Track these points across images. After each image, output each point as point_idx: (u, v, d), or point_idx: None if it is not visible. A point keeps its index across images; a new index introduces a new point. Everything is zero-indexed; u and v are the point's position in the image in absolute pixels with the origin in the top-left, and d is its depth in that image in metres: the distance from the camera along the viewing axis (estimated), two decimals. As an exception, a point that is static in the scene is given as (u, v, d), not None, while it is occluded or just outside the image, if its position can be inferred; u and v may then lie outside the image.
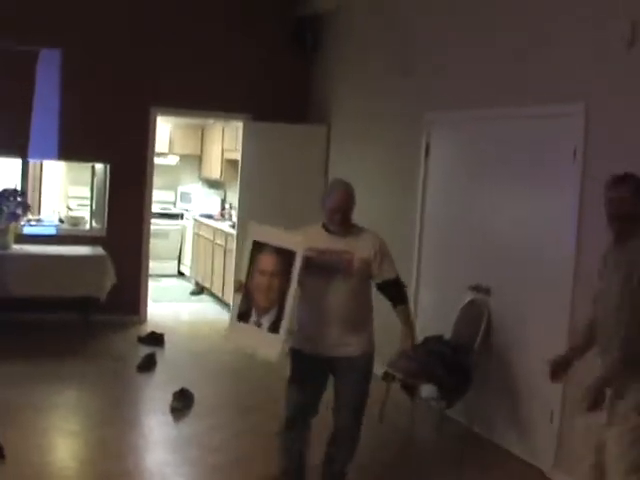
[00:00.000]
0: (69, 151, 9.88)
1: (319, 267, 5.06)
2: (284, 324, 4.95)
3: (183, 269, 14.32)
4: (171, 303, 11.96)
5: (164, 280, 13.44)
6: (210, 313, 11.56)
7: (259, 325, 5.03)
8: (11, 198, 9.32)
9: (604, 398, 4.45)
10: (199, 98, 10.37)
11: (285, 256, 5.00)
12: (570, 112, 5.97)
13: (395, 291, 5.26)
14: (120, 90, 10.01)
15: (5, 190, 9.44)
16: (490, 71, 7.07)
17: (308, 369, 5.24)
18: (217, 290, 12.03)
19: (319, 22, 10.50)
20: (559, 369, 4.92)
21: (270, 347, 4.97)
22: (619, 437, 4.43)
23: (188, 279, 13.89)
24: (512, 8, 6.84)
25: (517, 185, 6.70)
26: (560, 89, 6.15)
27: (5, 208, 9.25)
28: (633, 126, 5.49)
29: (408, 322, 5.27)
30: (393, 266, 5.24)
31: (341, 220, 5.13)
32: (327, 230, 5.19)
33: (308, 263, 5.02)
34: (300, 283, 5.05)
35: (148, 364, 8.32)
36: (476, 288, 7.04)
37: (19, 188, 9.90)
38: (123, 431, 6.58)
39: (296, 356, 5.28)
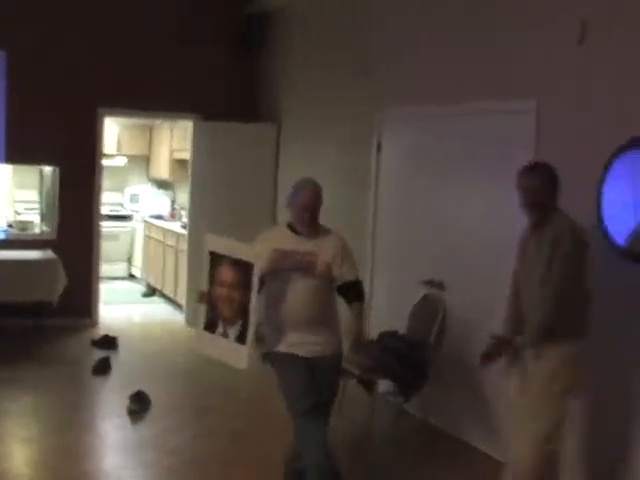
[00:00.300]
0: (16, 154, 9.79)
1: (283, 270, 5.09)
2: (249, 335, 4.99)
3: (134, 271, 14.22)
4: (123, 305, 11.87)
5: (115, 283, 13.32)
6: (162, 314, 11.50)
7: (226, 336, 5.10)
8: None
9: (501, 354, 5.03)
10: (148, 98, 10.30)
11: (243, 267, 5.01)
12: (523, 109, 6.04)
13: (354, 291, 5.28)
14: (67, 91, 9.91)
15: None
16: (444, 68, 7.11)
17: (290, 365, 5.22)
18: (169, 291, 11.97)
19: (268, 20, 10.47)
20: (496, 351, 5.04)
21: (238, 357, 5.05)
22: (529, 404, 4.92)
23: (139, 281, 13.80)
24: (466, 4, 6.88)
25: (469, 180, 6.75)
26: (513, 85, 6.22)
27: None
28: (583, 122, 5.58)
29: (359, 316, 5.29)
30: (354, 268, 5.28)
31: (310, 219, 5.15)
32: (293, 231, 5.22)
33: (270, 271, 5.07)
34: (266, 286, 5.11)
35: (103, 367, 8.27)
36: (430, 283, 7.09)
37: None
38: (80, 435, 6.55)
39: (276, 358, 5.27)
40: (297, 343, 5.16)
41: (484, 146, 6.58)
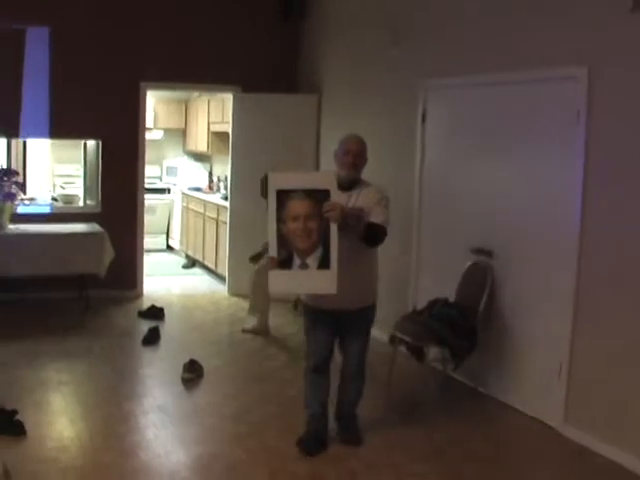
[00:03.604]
0: (60, 129, 9.90)
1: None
2: (333, 258, 5.16)
3: (172, 243, 14.36)
4: (164, 277, 12.00)
5: (153, 255, 13.44)
6: (204, 286, 11.63)
7: (305, 267, 5.23)
8: (6, 178, 9.31)
9: None
10: (188, 71, 10.39)
11: (317, 197, 5.17)
12: (573, 75, 6.04)
13: (375, 232, 5.40)
14: (109, 66, 10.01)
15: (1, 170, 9.45)
16: (489, 35, 7.10)
17: (318, 321, 5.67)
18: (210, 262, 12.08)
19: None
20: None
21: (325, 282, 5.21)
22: None
23: (177, 253, 13.94)
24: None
25: (519, 149, 6.78)
26: (562, 53, 6.21)
27: (1, 188, 9.23)
28: (635, 89, 5.59)
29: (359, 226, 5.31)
30: (384, 214, 5.43)
31: (351, 163, 5.46)
32: (340, 185, 5.37)
33: None
34: None
35: (153, 338, 8.40)
36: (478, 251, 7.15)
37: (4, 167, 9.90)
38: (138, 403, 6.67)
39: (306, 310, 5.77)
40: (327, 295, 5.35)
41: (533, 114, 6.61)
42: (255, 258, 8.72)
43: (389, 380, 6.89)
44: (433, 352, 7.10)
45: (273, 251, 5.27)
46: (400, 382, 7.10)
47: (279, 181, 5.29)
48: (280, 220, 5.22)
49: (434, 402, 6.85)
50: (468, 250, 7.23)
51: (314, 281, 5.27)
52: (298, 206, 5.19)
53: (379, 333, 7.38)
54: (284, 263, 5.25)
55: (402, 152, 8.35)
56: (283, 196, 5.21)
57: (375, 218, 5.37)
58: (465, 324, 6.76)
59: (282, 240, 5.23)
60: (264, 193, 7.67)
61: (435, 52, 7.86)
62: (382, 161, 8.42)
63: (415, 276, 8.13)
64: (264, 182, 7.33)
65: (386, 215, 5.45)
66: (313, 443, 5.69)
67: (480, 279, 7.03)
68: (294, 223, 5.20)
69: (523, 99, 6.72)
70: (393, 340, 7.00)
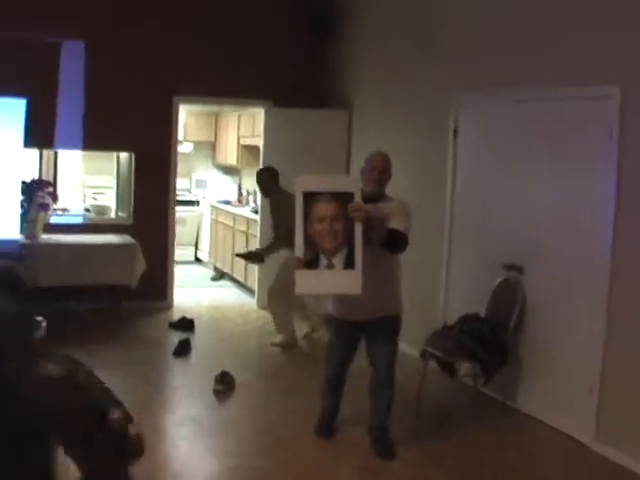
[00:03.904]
0: (94, 141, 10.02)
1: None
2: (357, 259, 5.30)
3: (200, 255, 14.45)
4: (193, 289, 12.08)
5: (182, 267, 13.51)
6: (233, 298, 11.69)
7: (331, 267, 5.37)
8: (40, 188, 9.42)
9: None
10: (221, 86, 10.48)
11: (342, 199, 5.33)
12: (606, 93, 6.07)
13: (395, 239, 5.51)
14: (143, 79, 10.13)
15: (34, 180, 9.58)
16: (522, 51, 7.12)
17: (341, 333, 6.01)
18: (239, 275, 12.14)
19: (338, 4, 10.54)
20: None
21: (350, 282, 5.33)
22: None
23: (206, 265, 14.02)
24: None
25: (551, 165, 6.79)
26: (596, 71, 6.23)
27: (35, 198, 9.35)
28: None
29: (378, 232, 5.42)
30: (405, 222, 5.59)
31: (377, 179, 5.75)
32: (365, 198, 5.51)
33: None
34: None
35: (184, 349, 8.46)
36: (509, 267, 7.17)
37: (37, 178, 10.02)
38: (170, 415, 6.76)
39: (332, 321, 6.07)
40: (349, 305, 5.68)
41: (565, 131, 6.63)
42: (242, 255, 9.22)
43: (419, 394, 6.91)
44: (464, 367, 7.13)
45: (300, 252, 5.39)
46: (431, 397, 7.11)
47: (306, 184, 5.43)
48: (307, 221, 5.37)
49: (465, 416, 6.88)
50: (499, 266, 7.24)
51: (340, 281, 5.39)
52: (324, 208, 5.35)
53: (409, 349, 7.43)
54: (310, 263, 5.39)
55: (433, 168, 8.38)
56: (309, 198, 5.36)
57: (396, 225, 5.51)
58: (496, 339, 6.79)
59: (308, 241, 5.37)
60: (265, 191, 7.97)
61: (468, 68, 7.88)
62: (413, 176, 8.47)
63: (445, 291, 8.16)
64: (262, 180, 8.28)
65: (407, 223, 5.61)
66: (324, 429, 6.23)
67: (511, 295, 7.06)
68: (320, 224, 5.35)
69: (556, 116, 6.74)
70: (424, 355, 7.03)
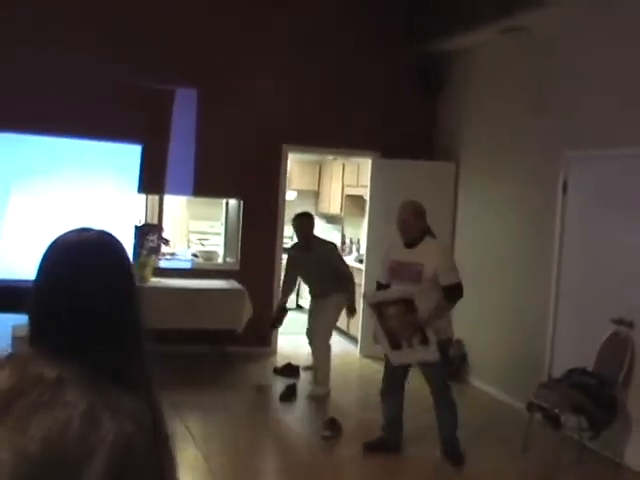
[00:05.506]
0: (204, 187, 10.29)
1: (398, 278, 6.66)
2: (430, 337, 6.49)
3: (301, 302, 14.54)
4: (294, 335, 12.15)
5: (285, 313, 13.60)
6: (335, 346, 11.68)
7: (411, 345, 6.57)
8: (151, 232, 9.67)
9: None
10: (329, 136, 10.68)
11: (402, 302, 6.48)
12: None
13: (448, 292, 6.52)
14: (253, 127, 10.33)
15: (146, 225, 9.83)
16: (631, 106, 7.15)
17: (386, 364, 7.05)
18: (342, 324, 12.18)
19: (447, 59, 10.64)
20: None
21: (428, 354, 6.56)
22: None
23: (307, 312, 14.06)
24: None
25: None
26: None
27: (145, 242, 9.59)
28: None
29: (440, 306, 6.53)
30: (452, 274, 6.56)
31: (402, 230, 6.66)
32: (404, 244, 6.70)
33: (390, 279, 6.86)
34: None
35: (290, 394, 8.58)
36: (619, 321, 7.12)
37: (144, 222, 10.27)
38: (279, 459, 6.85)
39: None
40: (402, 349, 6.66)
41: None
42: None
43: (525, 446, 6.87)
44: (570, 420, 7.07)
45: (385, 346, 6.75)
46: (535, 449, 7.07)
47: (373, 299, 6.88)
48: (382, 321, 6.62)
49: (570, 471, 6.81)
50: (607, 320, 7.20)
51: (419, 355, 6.66)
52: (390, 310, 6.52)
53: (513, 400, 7.40)
54: (396, 346, 6.67)
55: (541, 221, 8.39)
56: (379, 305, 6.64)
57: (446, 280, 6.49)
58: (604, 394, 6.73)
59: (389, 333, 6.61)
60: (306, 239, 8.81)
61: (578, 122, 7.90)
62: (520, 230, 8.51)
63: (551, 344, 8.11)
64: (305, 227, 8.77)
65: (453, 270, 6.60)
66: (375, 446, 6.93)
67: (620, 349, 7.01)
68: (391, 322, 6.55)
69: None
70: (530, 407, 7.01)
